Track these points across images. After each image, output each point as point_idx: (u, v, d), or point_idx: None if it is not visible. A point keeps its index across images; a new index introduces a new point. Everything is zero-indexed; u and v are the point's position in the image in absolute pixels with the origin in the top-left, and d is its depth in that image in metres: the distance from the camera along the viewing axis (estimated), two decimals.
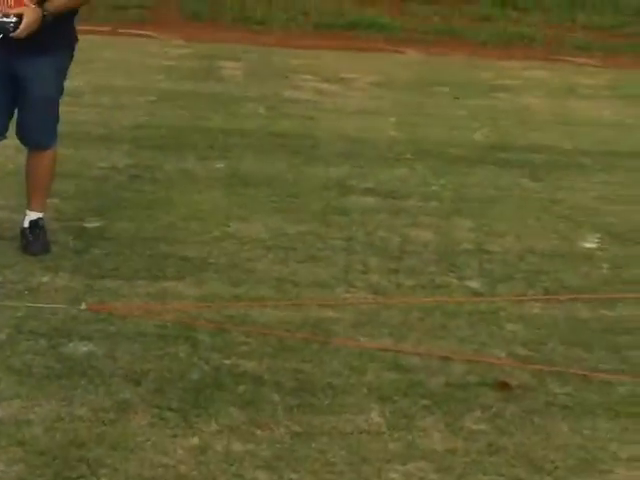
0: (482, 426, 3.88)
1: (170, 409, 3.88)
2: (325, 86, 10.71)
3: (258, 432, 3.77)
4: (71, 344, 4.35)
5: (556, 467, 3.64)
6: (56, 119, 5.36)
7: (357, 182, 7.12)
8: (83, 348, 4.32)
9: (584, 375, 4.35)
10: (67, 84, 8.82)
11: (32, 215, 5.45)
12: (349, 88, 10.60)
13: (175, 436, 3.70)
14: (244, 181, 6.93)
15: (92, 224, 5.87)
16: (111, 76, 10.33)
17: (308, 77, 11.20)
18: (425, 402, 4.07)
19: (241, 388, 4.10)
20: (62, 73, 5.32)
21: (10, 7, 4.97)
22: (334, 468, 3.56)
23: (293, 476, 3.50)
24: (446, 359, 4.48)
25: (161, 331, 4.54)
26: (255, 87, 10.37)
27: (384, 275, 5.45)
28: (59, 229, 5.72)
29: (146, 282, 5.09)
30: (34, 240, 5.37)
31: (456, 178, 7.26)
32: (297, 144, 8.05)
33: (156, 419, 3.81)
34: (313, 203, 6.57)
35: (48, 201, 5.93)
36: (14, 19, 4.94)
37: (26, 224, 5.43)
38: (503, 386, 4.20)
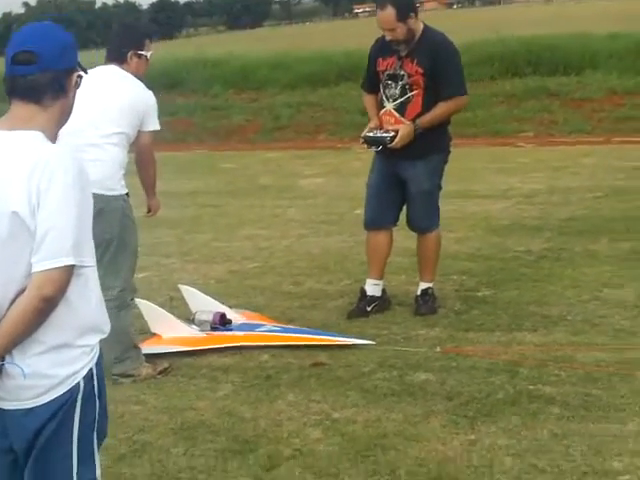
0: None
1: (465, 416, 4.93)
2: None
3: (523, 432, 4.69)
4: (415, 374, 5.55)
5: None
6: (435, 208, 6.62)
7: None
8: (422, 377, 5.51)
9: None
10: (526, 187, 10.26)
11: (423, 285, 6.77)
12: None
13: (457, 433, 4.75)
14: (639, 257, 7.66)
15: (483, 292, 7.04)
16: (573, 179, 11.44)
17: None
18: None
19: (532, 406, 5.02)
20: (436, 172, 6.57)
21: (391, 124, 6.45)
22: (570, 457, 4.39)
23: (533, 461, 4.39)
24: None
25: (491, 367, 5.58)
26: None
27: None
28: (454, 297, 6.96)
29: (502, 333, 6.15)
30: (423, 304, 6.67)
31: None
32: None
33: (449, 422, 4.88)
34: None
35: (456, 277, 7.27)
36: (392, 133, 6.41)
37: (418, 292, 6.76)
38: None
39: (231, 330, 6.34)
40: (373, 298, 6.70)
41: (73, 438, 3.00)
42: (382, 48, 6.52)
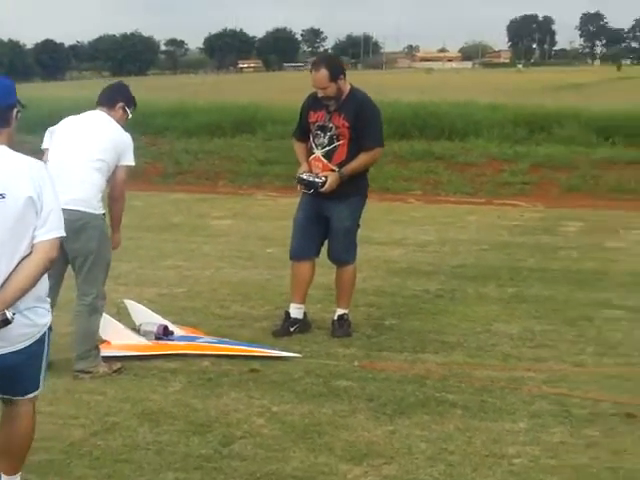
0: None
1: (384, 413, 5.93)
2: None
3: (433, 426, 5.72)
4: (338, 381, 6.52)
5: None
6: (353, 244, 7.66)
7: (618, 301, 8.78)
8: (344, 383, 6.48)
9: None
10: (419, 237, 11.39)
11: (340, 311, 7.78)
12: None
13: (380, 425, 5.74)
14: (523, 300, 8.85)
15: (389, 322, 8.09)
16: (461, 233, 12.67)
17: (639, 232, 12.84)
18: (559, 419, 5.81)
19: (439, 408, 6.04)
20: (356, 212, 7.63)
21: (320, 170, 7.49)
22: (473, 445, 5.43)
23: (443, 446, 5.41)
24: (598, 401, 6.13)
25: (402, 378, 6.59)
26: (581, 239, 12.25)
27: (591, 356, 7.12)
28: (365, 324, 7.98)
29: (408, 354, 7.18)
30: (339, 327, 7.67)
31: None
32: (587, 278, 9.83)
33: (372, 417, 5.86)
34: (568, 312, 8.35)
35: (364, 308, 8.30)
36: (323, 179, 7.45)
37: (335, 317, 7.77)
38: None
39: (173, 340, 7.21)
40: (296, 320, 7.67)
41: (42, 364, 4.20)
42: (314, 103, 7.58)
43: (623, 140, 19.87)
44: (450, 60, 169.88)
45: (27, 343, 3.98)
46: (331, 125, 7.42)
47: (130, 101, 6.77)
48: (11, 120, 4.07)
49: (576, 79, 60.47)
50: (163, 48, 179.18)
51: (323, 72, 7.29)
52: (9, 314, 3.82)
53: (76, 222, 5.94)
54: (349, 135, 7.38)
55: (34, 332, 4.01)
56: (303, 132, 7.66)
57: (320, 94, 7.39)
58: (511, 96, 30.39)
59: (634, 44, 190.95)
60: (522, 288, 9.28)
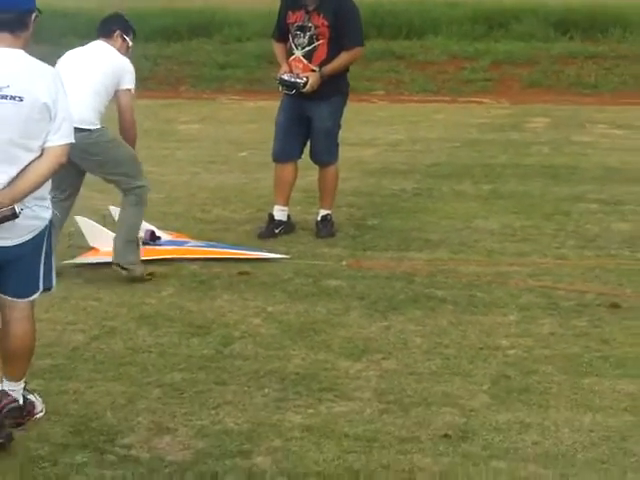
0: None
1: (377, 310, 6.04)
2: (613, 131, 12.50)
3: (427, 321, 5.85)
4: (328, 281, 6.62)
5: None
6: (335, 145, 7.71)
7: (592, 195, 8.96)
8: (334, 283, 6.58)
9: None
10: (390, 137, 11.46)
11: (323, 212, 7.85)
12: (634, 132, 12.29)
13: (374, 322, 5.87)
14: (500, 196, 8.98)
15: (371, 221, 8.18)
16: (430, 131, 12.74)
17: (603, 126, 13.03)
18: (548, 311, 5.97)
19: (429, 304, 6.18)
20: (337, 112, 7.65)
21: (301, 71, 7.48)
22: (467, 338, 5.58)
23: (438, 340, 5.55)
24: (583, 292, 6.29)
25: (390, 276, 6.71)
26: (550, 134, 12.38)
27: (572, 249, 7.29)
28: (347, 224, 8.07)
29: (393, 252, 7.29)
30: (323, 228, 7.76)
31: None
32: (560, 172, 9.98)
33: (365, 315, 5.98)
34: (545, 207, 8.51)
35: (345, 209, 8.38)
36: (304, 79, 7.45)
37: (319, 218, 7.84)
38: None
39: (161, 245, 7.26)
40: (280, 222, 7.74)
41: (42, 257, 4.26)
42: (292, 2, 7.57)
43: (581, 34, 19.85)
44: None
45: (31, 236, 4.10)
46: (310, 25, 7.40)
47: (127, 28, 6.77)
48: (30, 24, 4.11)
49: None
50: None
51: None
52: (17, 209, 3.99)
53: (80, 140, 5.96)
54: (329, 34, 7.37)
55: (38, 225, 4.12)
56: (282, 33, 7.64)
57: None
58: None
59: None
60: (498, 185, 9.40)
